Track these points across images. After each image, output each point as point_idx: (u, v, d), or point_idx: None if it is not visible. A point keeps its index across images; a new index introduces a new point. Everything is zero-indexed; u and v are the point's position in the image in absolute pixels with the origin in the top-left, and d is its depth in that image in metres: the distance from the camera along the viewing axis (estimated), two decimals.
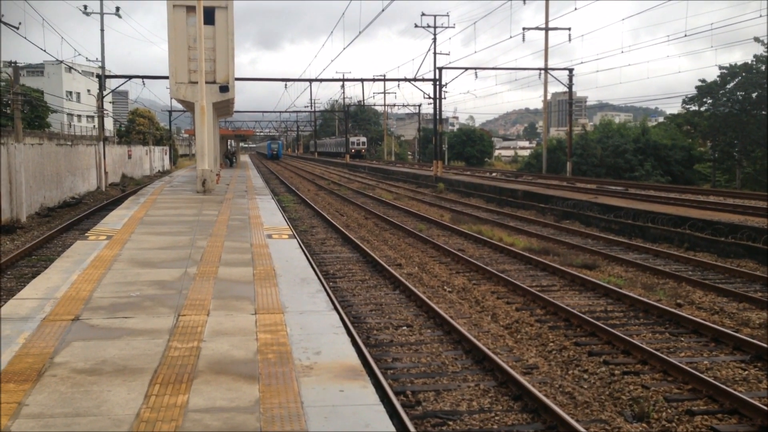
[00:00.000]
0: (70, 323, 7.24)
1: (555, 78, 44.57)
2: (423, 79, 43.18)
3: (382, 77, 58.54)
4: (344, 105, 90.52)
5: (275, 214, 17.92)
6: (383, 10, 29.40)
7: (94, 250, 11.63)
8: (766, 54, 42.29)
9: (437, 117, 42.37)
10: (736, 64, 43.90)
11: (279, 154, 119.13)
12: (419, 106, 78.56)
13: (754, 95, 42.69)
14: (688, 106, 48.41)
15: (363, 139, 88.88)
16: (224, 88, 24.19)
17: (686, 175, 47.15)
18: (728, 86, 44.08)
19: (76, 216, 24.19)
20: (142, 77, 37.92)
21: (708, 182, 46.79)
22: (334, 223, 22.29)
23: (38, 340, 6.70)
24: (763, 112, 42.35)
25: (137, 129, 65.35)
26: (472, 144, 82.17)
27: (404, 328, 10.51)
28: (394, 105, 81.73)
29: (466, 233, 19.89)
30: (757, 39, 42.43)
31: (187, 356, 6.27)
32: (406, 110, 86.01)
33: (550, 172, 49.56)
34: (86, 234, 13.64)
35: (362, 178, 51.48)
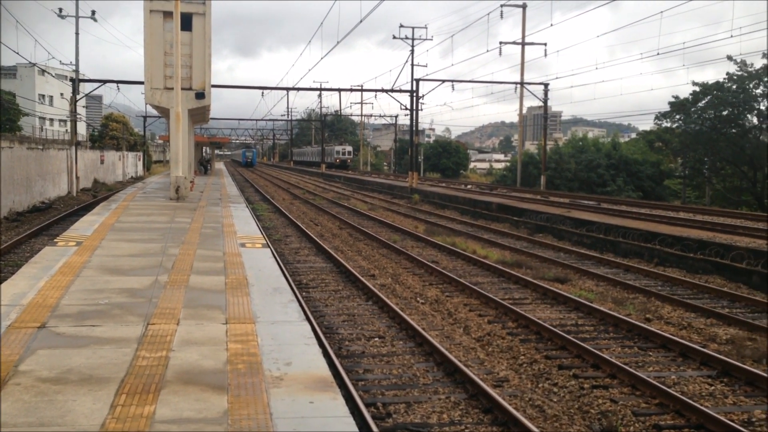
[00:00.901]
0: (36, 331, 7.12)
1: (531, 92, 45.05)
2: (400, 90, 43.33)
3: (360, 87, 58.80)
4: (321, 114, 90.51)
5: (249, 223, 17.83)
6: (361, 21, 29.47)
7: (62, 256, 11.46)
8: (738, 72, 43.14)
9: (413, 128, 42.54)
10: (708, 83, 44.73)
11: (253, 162, 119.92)
12: (396, 117, 78.90)
13: (724, 113, 43.52)
14: (659, 122, 49.17)
15: (348, 148, 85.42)
16: (200, 95, 24.06)
17: (657, 190, 47.85)
18: (700, 104, 44.89)
19: (45, 221, 23.82)
20: (117, 82, 37.57)
21: (678, 198, 47.54)
22: (309, 232, 22.23)
23: (3, 347, 6.57)
24: (733, 131, 43.18)
25: (111, 134, 64.66)
26: (447, 156, 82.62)
27: (376, 339, 10.50)
28: (371, 115, 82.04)
29: (440, 245, 19.94)
30: (730, 57, 43.30)
31: (156, 366, 6.20)
32: (383, 121, 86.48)
33: (525, 186, 49.97)
34: (55, 240, 13.44)
35: (337, 188, 51.41)
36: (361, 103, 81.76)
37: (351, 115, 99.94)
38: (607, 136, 76.28)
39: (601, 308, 12.19)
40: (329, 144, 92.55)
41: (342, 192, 45.95)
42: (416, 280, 15.12)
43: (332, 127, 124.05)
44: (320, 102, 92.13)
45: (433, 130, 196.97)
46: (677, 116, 46.70)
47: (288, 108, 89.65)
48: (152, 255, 11.86)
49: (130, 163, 60.85)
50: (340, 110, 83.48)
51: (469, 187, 45.73)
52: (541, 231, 24.02)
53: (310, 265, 16.63)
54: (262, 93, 45.71)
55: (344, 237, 22.15)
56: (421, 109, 44.32)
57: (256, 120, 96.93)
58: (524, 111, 55.58)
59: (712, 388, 8.73)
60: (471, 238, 22.11)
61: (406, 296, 13.58)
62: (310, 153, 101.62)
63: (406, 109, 44.45)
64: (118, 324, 7.45)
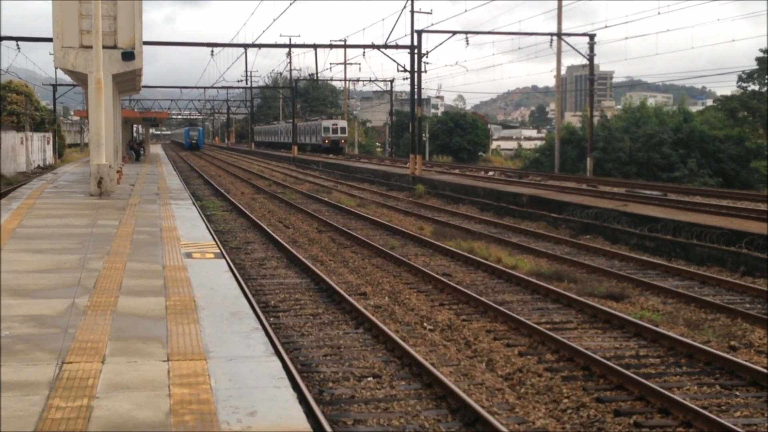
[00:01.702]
0: None
1: (572, 47, 45.20)
2: (396, 46, 43.42)
3: (342, 43, 58.75)
4: (291, 79, 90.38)
5: (197, 225, 17.79)
6: None
7: None
8: None
9: (415, 96, 42.63)
10: None
11: (200, 144, 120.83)
12: (392, 81, 78.90)
13: None
14: (744, 85, 49.36)
15: (342, 123, 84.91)
16: (129, 55, 24.02)
17: (741, 175, 48.00)
18: None
19: None
20: (16, 39, 37.48)
21: None
22: (277, 237, 22.27)
23: None
24: None
25: (9, 109, 64.52)
26: (461, 133, 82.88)
27: (370, 379, 10.49)
28: (358, 80, 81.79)
29: (453, 252, 19.99)
30: None
31: (74, 419, 6.17)
32: (375, 87, 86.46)
33: (565, 171, 50.15)
34: None
35: (315, 178, 51.49)
36: (345, 63, 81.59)
37: (331, 79, 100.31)
38: (673, 103, 76.47)
39: (670, 333, 12.21)
40: (311, 118, 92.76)
41: (321, 183, 46.01)
42: (422, 299, 15.13)
43: (306, 95, 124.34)
44: (290, 63, 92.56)
45: (441, 98, 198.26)
46: None
47: (247, 71, 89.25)
48: (68, 270, 11.83)
49: (36, 148, 60.78)
50: (317, 73, 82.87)
51: (491, 174, 45.87)
52: (587, 231, 24.09)
53: (280, 281, 16.64)
54: (212, 51, 45.74)
55: (325, 243, 22.18)
56: (425, 71, 44.32)
57: (205, 88, 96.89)
58: (563, 72, 55.79)
59: None
60: (494, 242, 22.16)
61: (409, 321, 13.58)
62: (283, 131, 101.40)
63: (405, 70, 44.53)
64: (22, 363, 7.42)
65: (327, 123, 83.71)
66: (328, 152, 79.99)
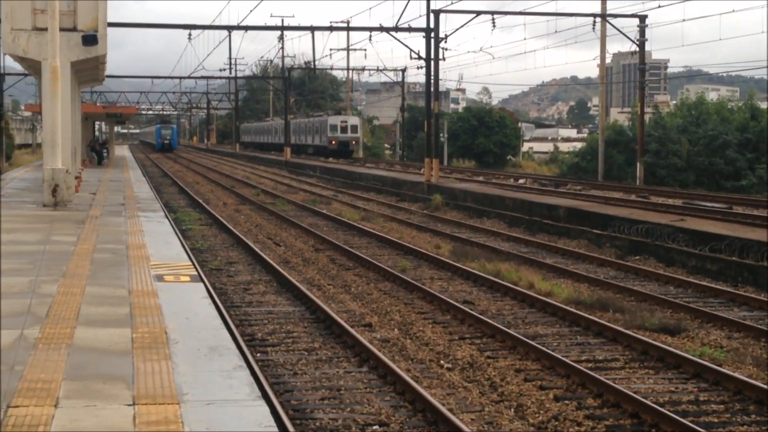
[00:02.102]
0: None
1: (618, 30, 45.24)
2: (409, 29, 43.51)
3: (345, 25, 58.91)
4: (283, 68, 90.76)
5: (170, 242, 17.78)
6: None
7: None
8: None
9: (432, 89, 42.67)
10: None
11: (173, 144, 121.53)
12: (403, 71, 79.07)
13: None
14: None
15: (353, 120, 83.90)
16: (90, 39, 24.10)
17: None
18: None
19: None
20: None
21: None
22: (265, 257, 22.27)
23: None
24: None
25: None
26: (487, 132, 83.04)
27: (376, 427, 10.45)
28: (364, 69, 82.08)
29: (475, 275, 19.96)
30: None
31: None
32: (383, 78, 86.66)
33: (611, 179, 50.15)
34: None
35: (311, 186, 51.51)
36: (348, 49, 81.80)
37: (331, 68, 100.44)
38: (739, 98, 76.30)
39: (737, 375, 12.13)
40: (314, 114, 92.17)
41: (318, 192, 46.05)
42: (438, 332, 15.09)
43: (301, 87, 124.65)
44: (282, 48, 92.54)
45: (462, 91, 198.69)
46: None
47: (231, 58, 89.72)
48: (15, 295, 11.82)
49: None
50: (314, 61, 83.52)
51: (521, 182, 45.82)
52: (637, 251, 24.03)
53: (269, 310, 16.63)
54: (190, 35, 45.86)
55: (322, 264, 22.18)
56: (444, 59, 43.89)
57: (181, 78, 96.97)
58: (608, 60, 55.91)
59: None
60: (526, 263, 22.12)
61: (423, 358, 13.54)
62: (277, 129, 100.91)
63: (420, 58, 44.65)
64: None
65: (334, 120, 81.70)
66: (335, 156, 78.43)
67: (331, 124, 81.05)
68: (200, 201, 39.42)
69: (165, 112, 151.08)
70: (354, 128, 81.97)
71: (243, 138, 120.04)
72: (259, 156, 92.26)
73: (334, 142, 79.82)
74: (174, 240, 18.44)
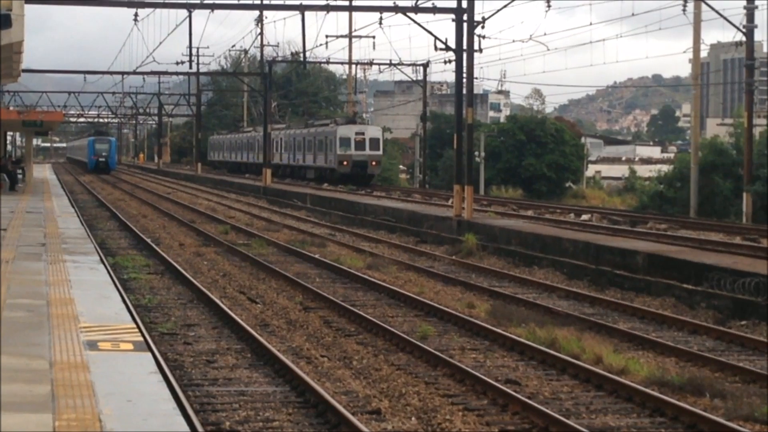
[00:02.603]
0: None
1: (718, 13, 45.14)
2: (434, 9, 43.64)
3: (347, 4, 58.98)
4: (262, 60, 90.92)
5: (107, 297, 17.73)
6: None
7: None
8: None
9: (464, 91, 42.70)
10: None
11: (111, 163, 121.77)
12: (425, 66, 79.30)
13: None
14: None
15: (373, 131, 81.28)
16: (1, 20, 24.19)
17: None
18: None
19: None
20: None
21: None
22: (236, 317, 22.18)
23: None
24: None
25: None
26: (539, 150, 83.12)
27: None
28: (371, 63, 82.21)
29: (522, 344, 19.84)
30: None
31: None
32: (398, 75, 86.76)
33: (707, 215, 50.04)
34: None
35: (299, 221, 51.46)
36: (350, 36, 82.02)
37: (327, 62, 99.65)
38: None
39: None
40: (316, 122, 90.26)
41: (309, 229, 46.00)
42: (472, 422, 15.01)
43: (287, 86, 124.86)
44: (260, 35, 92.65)
45: (506, 94, 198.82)
46: None
47: (191, 48, 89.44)
48: None
49: None
50: (304, 51, 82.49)
51: (586, 218, 45.77)
52: (743, 314, 23.85)
53: (240, 390, 16.56)
54: (136, 16, 46.06)
55: (314, 327, 22.08)
56: (480, 50, 43.60)
57: (123, 74, 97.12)
58: (704, 53, 55.90)
59: None
60: (591, 328, 21.98)
61: None
62: (244, 142, 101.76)
63: (448, 48, 44.61)
64: None
65: (346, 130, 78.50)
66: (348, 182, 75.75)
67: (341, 136, 77.83)
68: (148, 241, 39.35)
69: (101, 120, 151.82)
70: (375, 143, 79.11)
71: (212, 155, 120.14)
72: (228, 180, 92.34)
73: (346, 163, 77.24)
74: (112, 293, 18.39)
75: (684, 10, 45.51)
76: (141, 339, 14.30)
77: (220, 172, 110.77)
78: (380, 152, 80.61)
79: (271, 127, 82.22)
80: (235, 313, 23.08)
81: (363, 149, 77.93)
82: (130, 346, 13.54)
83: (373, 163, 78.53)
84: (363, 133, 78.90)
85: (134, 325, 15.44)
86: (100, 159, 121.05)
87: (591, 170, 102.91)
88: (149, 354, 13.32)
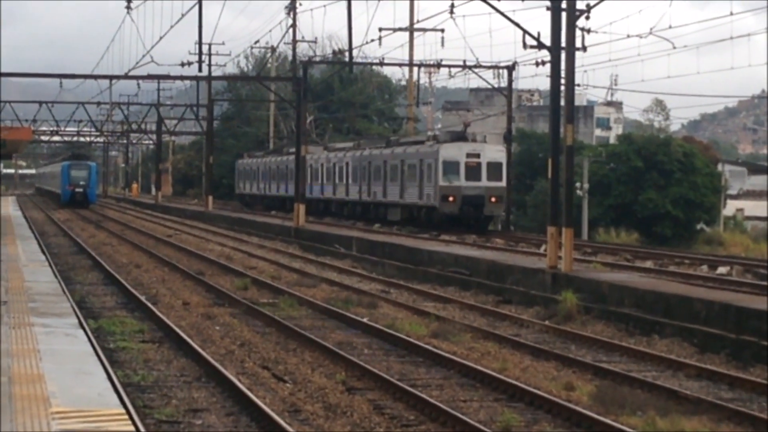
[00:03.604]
0: None
1: None
2: None
3: None
4: (294, 60, 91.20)
5: (87, 373, 17.79)
6: None
7: None
8: None
9: (562, 101, 42.67)
10: None
11: (90, 195, 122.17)
12: (510, 69, 79.39)
13: None
14: None
15: (494, 153, 74.55)
16: None
17: None
18: None
19: None
20: None
21: None
22: (258, 401, 22.11)
23: None
24: None
25: None
26: (661, 181, 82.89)
27: None
28: (440, 65, 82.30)
29: None
30: None
31: None
32: (474, 80, 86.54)
33: None
34: None
35: (342, 273, 51.53)
36: (411, 29, 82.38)
37: (381, 63, 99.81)
38: None
39: None
40: (400, 139, 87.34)
41: (354, 285, 46.01)
42: None
43: (327, 95, 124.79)
44: (291, 27, 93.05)
45: (617, 105, 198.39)
46: None
47: (201, 44, 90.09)
48: None
49: None
50: (350, 49, 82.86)
51: (724, 271, 45.48)
52: None
53: None
54: (129, 2, 46.42)
55: (361, 415, 21.95)
56: (585, 48, 43.45)
57: (111, 78, 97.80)
58: None
59: None
60: (729, 418, 21.82)
61: None
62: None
63: (541, 46, 44.69)
64: None
65: (453, 150, 73.37)
66: (453, 227, 71.32)
67: (446, 159, 72.77)
68: (143, 299, 39.45)
69: (82, 139, 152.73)
70: (495, 170, 73.50)
71: (241, 186, 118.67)
72: (248, 219, 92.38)
73: (452, 199, 71.54)
74: (94, 368, 18.45)
75: None
76: (132, 429, 14.32)
77: (256, 210, 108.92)
78: (503, 183, 74.00)
79: (325, 147, 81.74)
80: (257, 395, 23.00)
81: (478, 178, 72.16)
82: None
83: (493, 198, 72.71)
84: (478, 155, 73.09)
85: (123, 411, 15.46)
86: (77, 189, 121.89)
87: (731, 208, 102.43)
88: None
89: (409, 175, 76.80)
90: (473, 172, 71.95)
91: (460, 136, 76.83)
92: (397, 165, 78.95)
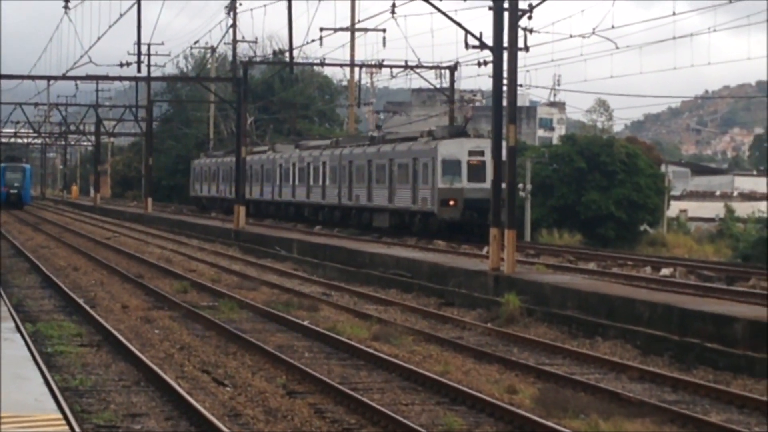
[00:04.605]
0: None
1: None
2: None
3: None
4: (234, 61, 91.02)
5: (23, 378, 17.75)
6: None
7: None
8: None
9: (504, 102, 42.75)
10: None
11: (24, 196, 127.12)
12: (452, 69, 79.40)
13: None
14: None
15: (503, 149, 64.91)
16: None
17: None
18: None
19: None
20: None
21: None
22: (197, 405, 22.03)
23: None
24: None
25: None
26: (604, 182, 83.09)
27: None
28: (381, 65, 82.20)
29: None
30: None
31: None
32: (416, 81, 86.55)
33: None
34: None
35: (283, 276, 51.56)
36: (352, 29, 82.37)
37: (322, 63, 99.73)
38: None
39: None
40: (393, 135, 79.98)
41: (296, 287, 46.00)
42: None
43: (267, 95, 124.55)
44: (232, 27, 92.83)
45: (560, 106, 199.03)
46: None
47: (140, 44, 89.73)
48: None
49: None
50: (291, 50, 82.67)
51: (667, 272, 45.71)
52: None
53: None
54: (67, 2, 46.29)
55: (302, 419, 21.86)
56: (527, 48, 43.33)
57: (49, 79, 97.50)
58: None
59: None
60: (672, 420, 21.91)
61: None
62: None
63: (483, 46, 44.79)
64: None
65: (453, 148, 66.89)
66: (453, 234, 65.45)
67: (445, 157, 66.53)
68: (81, 302, 39.34)
69: (19, 141, 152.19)
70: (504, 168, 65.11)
71: (198, 188, 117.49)
72: (188, 221, 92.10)
73: (453, 203, 65.25)
74: (31, 373, 18.40)
75: None
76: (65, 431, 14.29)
77: (215, 213, 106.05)
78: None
79: (297, 145, 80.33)
80: (197, 399, 22.96)
81: (482, 179, 64.33)
82: None
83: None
84: (482, 153, 65.52)
85: (60, 416, 15.43)
86: (12, 191, 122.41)
87: (674, 209, 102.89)
88: None
89: (400, 177, 71.08)
90: (477, 172, 65.90)
91: (461, 132, 70.46)
92: (385, 165, 73.49)
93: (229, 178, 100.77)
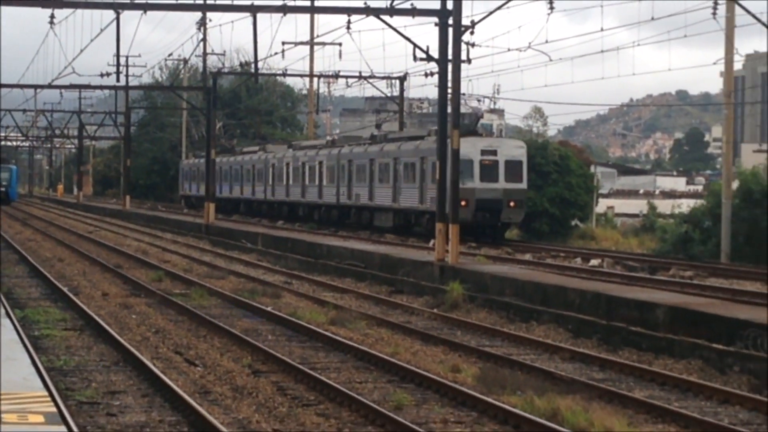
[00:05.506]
0: None
1: (755, 17, 45.30)
2: (413, 12, 43.70)
3: (308, 4, 59.14)
4: (205, 72, 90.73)
5: (12, 359, 17.63)
6: None
7: None
8: None
9: (449, 109, 42.65)
10: None
11: (11, 194, 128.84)
12: (401, 79, 79.14)
13: None
14: None
15: (512, 149, 63.40)
16: None
17: None
18: None
19: None
20: None
21: None
22: (171, 383, 22.01)
23: None
24: None
25: None
26: (539, 181, 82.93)
27: None
28: (338, 76, 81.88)
29: (517, 416, 19.81)
30: None
31: None
32: (369, 90, 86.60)
33: (741, 259, 49.97)
34: None
35: (249, 266, 51.47)
36: (312, 43, 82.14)
37: (284, 73, 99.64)
38: None
39: None
40: (395, 137, 72.10)
41: (260, 276, 45.92)
42: None
43: (235, 104, 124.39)
44: (202, 41, 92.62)
45: (499, 113, 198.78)
46: None
47: (119, 56, 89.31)
48: None
49: None
50: (256, 61, 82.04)
51: (596, 263, 45.77)
52: None
53: None
54: (52, 18, 46.04)
55: (265, 396, 21.92)
56: (469, 60, 43.22)
57: (36, 88, 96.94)
58: (737, 65, 56.24)
59: None
60: (601, 396, 21.95)
61: None
62: (252, 170, 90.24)
63: (429, 58, 44.66)
64: None
65: (464, 147, 51.87)
66: (465, 234, 52.00)
67: (462, 153, 53.22)
68: (65, 290, 39.21)
69: (9, 144, 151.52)
70: (514, 169, 62.23)
71: (186, 188, 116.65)
72: (163, 217, 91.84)
73: (465, 203, 56.17)
74: (19, 354, 18.30)
75: (714, 14, 45.33)
76: (54, 410, 14.22)
77: (198, 211, 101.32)
78: (523, 184, 63.31)
79: (290, 145, 79.15)
80: (170, 377, 22.97)
81: (495, 179, 61.03)
82: (41, 419, 13.45)
83: (512, 203, 61.29)
84: (495, 152, 61.86)
85: (46, 393, 15.36)
86: (0, 189, 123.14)
87: (602, 205, 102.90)
88: (64, 428, 13.25)
89: (406, 176, 65.40)
90: (489, 171, 61.01)
91: (471, 130, 64.69)
92: (389, 164, 67.73)
93: (219, 177, 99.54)
